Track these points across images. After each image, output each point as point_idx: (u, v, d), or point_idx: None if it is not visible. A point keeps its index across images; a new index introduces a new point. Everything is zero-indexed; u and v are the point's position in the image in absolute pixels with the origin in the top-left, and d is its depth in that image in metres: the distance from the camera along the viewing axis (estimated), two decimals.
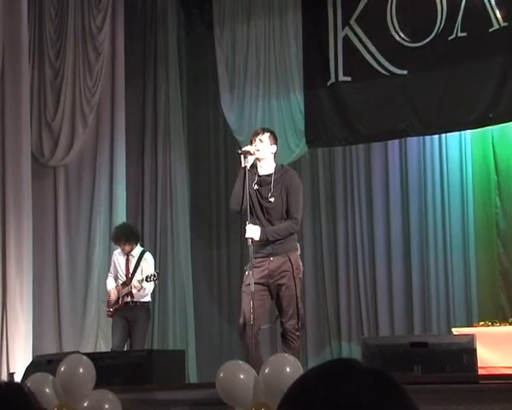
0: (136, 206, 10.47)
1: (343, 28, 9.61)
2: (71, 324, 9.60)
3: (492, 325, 7.77)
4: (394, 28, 9.26)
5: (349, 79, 9.58)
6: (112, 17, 10.06)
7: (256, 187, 6.50)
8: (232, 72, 10.22)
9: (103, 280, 9.50)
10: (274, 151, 6.59)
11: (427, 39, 9.03)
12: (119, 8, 10.17)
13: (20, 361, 8.41)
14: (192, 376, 9.89)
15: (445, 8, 8.95)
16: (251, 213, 6.42)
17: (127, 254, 8.69)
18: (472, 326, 7.96)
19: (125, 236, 8.71)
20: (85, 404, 4.54)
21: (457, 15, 8.84)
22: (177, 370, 7.11)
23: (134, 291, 8.47)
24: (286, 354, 4.96)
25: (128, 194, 10.09)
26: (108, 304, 8.67)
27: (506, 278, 9.14)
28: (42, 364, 6.51)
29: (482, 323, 7.89)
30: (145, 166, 10.57)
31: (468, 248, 9.39)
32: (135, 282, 8.42)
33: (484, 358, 6.57)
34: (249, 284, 6.28)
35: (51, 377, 4.71)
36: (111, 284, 8.73)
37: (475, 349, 5.61)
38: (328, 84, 9.67)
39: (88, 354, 5.53)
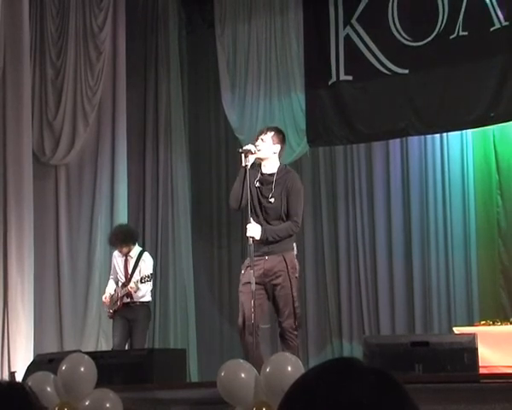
0: (137, 205, 10.48)
1: (344, 27, 9.61)
2: (72, 323, 9.61)
3: (494, 324, 7.76)
4: (396, 27, 9.26)
5: (350, 78, 9.57)
6: (113, 16, 10.06)
7: (258, 185, 6.50)
8: (233, 71, 10.23)
9: (104, 279, 9.50)
10: (276, 151, 6.56)
11: (429, 38, 9.03)
12: (121, 8, 10.17)
13: (21, 360, 8.42)
14: (193, 375, 9.89)
15: (446, 7, 8.95)
16: (250, 210, 6.42)
17: (125, 256, 8.69)
18: (473, 325, 7.95)
19: (122, 239, 8.69)
20: (86, 403, 4.54)
21: (459, 14, 8.84)
22: (178, 369, 7.11)
23: (135, 290, 8.47)
24: (287, 353, 4.96)
25: (129, 193, 10.09)
26: (107, 306, 8.68)
27: (507, 277, 9.14)
28: (43, 363, 6.51)
29: (483, 322, 7.88)
30: (146, 165, 10.57)
31: (469, 248, 9.39)
32: (131, 284, 8.42)
33: (485, 357, 6.57)
34: (246, 283, 6.31)
35: (52, 376, 4.71)
36: (110, 287, 8.72)
37: (476, 349, 5.61)
38: (330, 83, 9.67)
39: (89, 353, 5.54)
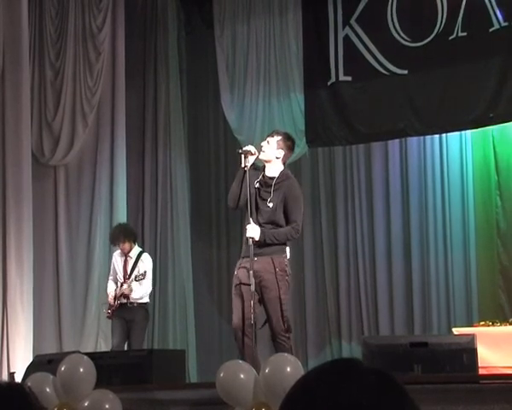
0: (136, 205, 10.47)
1: (343, 28, 9.62)
2: (71, 323, 9.61)
3: (493, 324, 7.76)
4: (395, 28, 9.26)
5: (349, 78, 9.58)
6: (112, 17, 10.06)
7: (257, 185, 6.50)
8: (232, 71, 10.23)
9: (103, 280, 9.50)
10: (279, 156, 6.55)
11: (428, 39, 9.03)
12: (120, 8, 10.17)
13: (20, 361, 8.42)
14: (192, 375, 9.89)
15: (445, 7, 8.95)
16: (250, 211, 6.42)
17: (125, 256, 8.68)
18: (472, 326, 7.95)
19: (123, 234, 8.71)
20: (86, 404, 4.54)
21: (458, 15, 8.84)
22: (178, 369, 7.11)
23: (127, 292, 8.47)
24: (286, 354, 4.96)
25: (128, 193, 10.09)
26: (107, 307, 8.68)
27: (506, 278, 9.14)
28: (42, 363, 6.51)
29: (482, 323, 7.88)
30: (145, 166, 10.57)
31: (468, 248, 9.39)
32: (124, 285, 8.43)
33: (484, 358, 6.57)
34: (236, 285, 6.35)
35: (52, 376, 4.71)
36: (110, 288, 8.73)
37: (476, 349, 5.61)
38: (329, 83, 9.67)
39: (88, 354, 5.53)
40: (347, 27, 9.59)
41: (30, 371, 6.35)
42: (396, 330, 9.56)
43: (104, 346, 9.42)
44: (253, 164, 6.54)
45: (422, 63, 9.07)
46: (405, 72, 9.20)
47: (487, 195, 9.37)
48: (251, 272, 6.20)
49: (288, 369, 4.15)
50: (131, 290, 8.42)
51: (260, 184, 6.49)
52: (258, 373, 4.32)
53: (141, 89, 10.68)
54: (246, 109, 10.09)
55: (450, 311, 9.37)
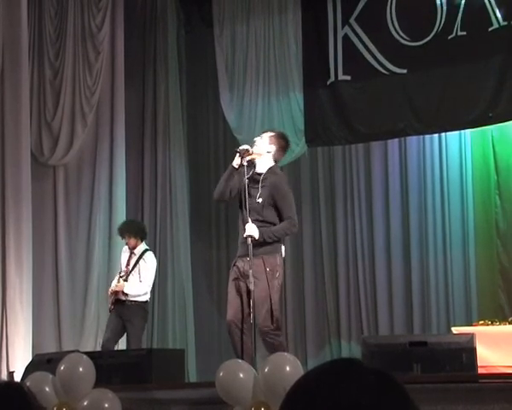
0: (135, 205, 10.47)
1: (343, 27, 9.62)
2: (70, 323, 9.60)
3: (492, 324, 7.76)
4: (394, 27, 9.26)
5: (349, 78, 9.58)
6: (111, 16, 10.06)
7: (247, 181, 6.52)
8: (232, 71, 10.23)
9: (103, 279, 9.51)
10: (271, 151, 6.58)
11: (427, 38, 9.03)
12: (119, 8, 10.17)
13: (19, 360, 8.42)
14: (192, 375, 9.89)
15: (444, 7, 8.95)
16: (244, 208, 6.44)
17: (131, 251, 8.70)
18: (471, 325, 7.95)
19: (130, 229, 8.72)
20: (85, 403, 4.54)
21: (457, 14, 8.84)
22: (177, 369, 7.11)
23: (118, 289, 8.46)
24: (285, 354, 4.96)
25: (128, 193, 10.09)
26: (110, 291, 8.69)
27: (506, 278, 9.14)
28: (41, 363, 6.51)
29: (482, 322, 7.88)
30: (145, 166, 10.57)
31: (467, 248, 9.39)
32: (120, 281, 8.44)
33: (483, 357, 6.57)
34: (234, 280, 6.43)
35: (51, 376, 4.71)
36: (114, 282, 8.75)
37: (475, 348, 5.61)
38: (328, 83, 9.67)
39: (88, 353, 5.53)
40: (347, 27, 9.59)
41: (29, 370, 6.35)
42: (395, 330, 9.56)
43: None
44: (251, 161, 6.55)
45: (422, 62, 9.07)
46: (405, 71, 9.20)
47: (487, 194, 9.37)
48: (250, 271, 6.21)
49: (288, 368, 4.15)
50: (123, 286, 8.40)
51: (249, 179, 6.50)
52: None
53: (140, 88, 10.68)
54: (245, 109, 10.09)
55: (450, 310, 9.37)
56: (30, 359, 7.89)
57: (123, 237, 8.78)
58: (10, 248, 8.74)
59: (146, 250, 8.80)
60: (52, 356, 6.65)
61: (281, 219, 6.45)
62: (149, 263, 8.69)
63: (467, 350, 5.57)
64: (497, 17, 8.63)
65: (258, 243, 6.29)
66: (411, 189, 9.80)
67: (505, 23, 8.59)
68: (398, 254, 9.78)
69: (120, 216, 9.76)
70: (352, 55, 9.52)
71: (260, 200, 6.41)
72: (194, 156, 11.02)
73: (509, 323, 7.82)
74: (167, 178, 10.51)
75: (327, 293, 10.18)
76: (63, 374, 4.64)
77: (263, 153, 6.56)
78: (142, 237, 8.79)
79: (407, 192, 9.83)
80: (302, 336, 10.23)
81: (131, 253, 8.68)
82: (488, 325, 7.74)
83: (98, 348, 9.29)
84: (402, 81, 9.21)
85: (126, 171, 10.08)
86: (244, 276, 6.34)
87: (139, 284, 8.50)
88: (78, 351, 6.55)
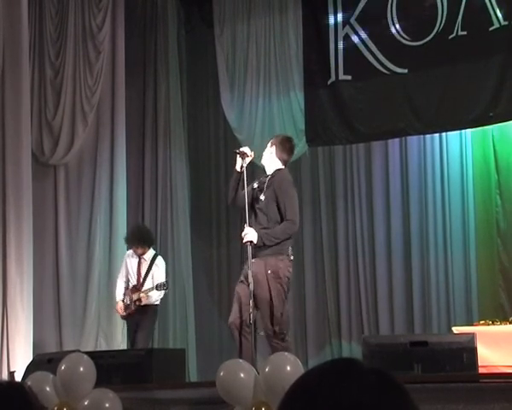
0: (136, 204, 10.47)
1: (343, 27, 9.62)
2: (71, 322, 9.60)
3: (493, 323, 7.76)
4: (395, 27, 9.26)
5: (349, 77, 9.58)
6: (112, 16, 10.05)
7: (255, 186, 6.53)
8: (232, 70, 10.23)
9: (104, 279, 9.51)
10: (273, 152, 6.60)
11: (428, 38, 9.04)
12: (120, 7, 10.17)
13: (20, 360, 8.41)
14: (192, 374, 9.89)
15: (445, 6, 8.96)
16: (248, 213, 6.45)
17: (139, 257, 8.73)
18: (472, 325, 7.95)
19: (138, 238, 8.78)
20: (86, 403, 4.53)
21: (458, 14, 8.84)
22: (178, 368, 7.11)
23: (144, 301, 8.55)
24: (286, 353, 4.96)
25: (128, 193, 10.09)
26: (120, 310, 8.73)
27: (506, 277, 9.14)
28: (42, 363, 6.51)
29: (482, 322, 7.88)
30: (145, 165, 10.57)
31: (468, 247, 9.39)
32: (143, 292, 8.48)
33: (484, 357, 6.57)
34: (240, 282, 6.43)
35: (51, 375, 4.70)
36: (119, 289, 8.76)
37: (476, 348, 5.61)
38: (329, 82, 9.67)
39: (88, 353, 5.53)
40: (347, 26, 9.59)
41: (30, 370, 6.35)
42: (396, 330, 9.56)
43: (104, 345, 9.43)
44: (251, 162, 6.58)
45: (422, 62, 9.07)
46: (405, 71, 9.20)
47: (487, 194, 9.37)
48: (249, 271, 6.23)
49: (288, 368, 4.14)
50: (148, 298, 8.48)
51: (257, 183, 6.54)
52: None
53: (141, 88, 10.68)
54: (246, 108, 10.09)
55: (450, 310, 9.37)
56: (30, 358, 7.90)
57: (130, 247, 8.81)
58: (11, 248, 8.73)
59: (156, 255, 8.86)
60: (53, 356, 6.65)
61: (282, 219, 6.45)
62: (162, 268, 8.82)
63: (467, 350, 5.57)
64: (497, 17, 8.63)
65: (261, 246, 6.30)
66: (412, 188, 9.80)
67: (506, 23, 8.59)
68: (398, 254, 9.78)
69: (121, 215, 9.76)
70: (352, 54, 9.52)
71: (263, 197, 6.42)
72: (195, 156, 11.02)
73: (510, 323, 7.82)
74: (168, 177, 10.52)
75: (327, 293, 10.18)
76: (64, 374, 4.63)
77: (267, 156, 6.60)
78: (150, 244, 8.84)
79: (408, 192, 9.83)
80: (303, 335, 10.23)
81: (141, 259, 8.73)
82: (489, 324, 7.74)
83: (99, 348, 9.31)
84: (402, 81, 9.22)
85: (127, 170, 10.07)
86: (247, 278, 6.34)
87: (155, 293, 8.55)
88: (78, 351, 6.55)
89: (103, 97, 9.98)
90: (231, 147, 10.11)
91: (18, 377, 7.40)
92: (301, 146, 9.72)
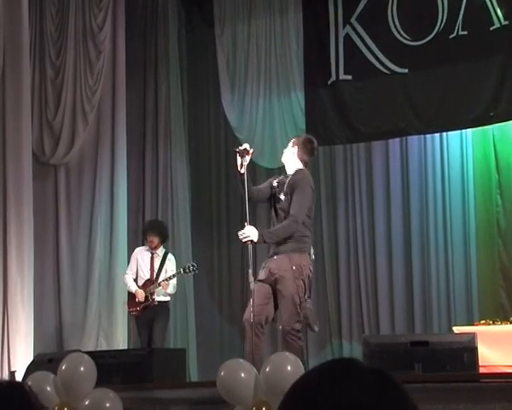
0: (137, 204, 10.47)
1: (344, 27, 9.62)
2: (72, 322, 9.60)
3: (493, 323, 7.76)
4: (395, 27, 9.26)
5: (350, 77, 9.58)
6: (113, 16, 10.05)
7: (275, 184, 6.55)
8: (233, 70, 10.23)
9: (104, 279, 9.51)
10: (294, 152, 6.61)
11: (428, 38, 9.04)
12: (120, 7, 10.17)
13: (21, 360, 8.41)
14: (193, 374, 9.89)
15: (446, 6, 8.96)
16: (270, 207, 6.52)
17: (152, 253, 8.77)
18: (473, 325, 7.95)
19: (159, 229, 8.93)
20: (86, 402, 4.53)
21: (458, 14, 8.84)
22: (178, 368, 7.12)
23: (159, 288, 8.58)
24: (286, 353, 4.95)
25: (129, 192, 10.09)
26: (133, 304, 8.73)
27: (507, 277, 9.14)
28: (43, 362, 6.52)
29: (483, 321, 7.88)
30: (146, 165, 10.57)
31: (468, 247, 9.39)
32: (164, 280, 8.56)
33: (485, 356, 6.57)
34: (259, 280, 6.37)
35: (52, 375, 4.70)
36: (130, 281, 8.80)
37: (476, 348, 5.62)
38: (329, 82, 9.68)
39: (89, 353, 5.53)
40: (348, 26, 9.59)
41: (30, 370, 6.35)
42: (396, 329, 9.56)
43: (105, 345, 9.43)
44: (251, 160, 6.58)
45: (423, 62, 9.07)
46: (406, 70, 9.20)
47: (488, 193, 9.37)
48: (250, 271, 6.21)
49: (289, 368, 4.14)
50: (168, 286, 8.54)
51: (278, 183, 6.55)
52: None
53: (141, 88, 10.68)
54: (246, 108, 10.10)
55: (451, 310, 9.37)
56: (31, 358, 7.90)
57: (148, 234, 8.85)
58: (12, 248, 8.73)
59: (167, 252, 8.99)
60: (53, 356, 6.66)
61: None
62: (174, 263, 8.92)
63: (468, 350, 5.57)
64: (498, 16, 8.63)
65: (284, 241, 6.29)
66: (412, 188, 9.80)
67: (506, 22, 8.59)
68: (399, 254, 9.78)
69: (122, 215, 9.77)
70: (353, 54, 9.52)
71: (283, 197, 6.44)
72: (196, 156, 11.02)
73: (511, 322, 7.82)
74: (168, 177, 10.52)
75: (328, 292, 10.18)
76: (64, 374, 4.63)
77: (288, 156, 6.63)
78: (164, 239, 8.91)
79: (408, 192, 9.83)
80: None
81: (153, 254, 8.79)
82: (489, 324, 7.74)
83: (99, 348, 9.31)
84: (403, 81, 9.22)
85: (127, 170, 10.07)
86: (271, 274, 6.33)
87: (170, 282, 8.61)
88: (79, 351, 6.55)
89: (104, 97, 9.97)
90: (232, 147, 10.09)
91: (18, 377, 7.40)
92: None
